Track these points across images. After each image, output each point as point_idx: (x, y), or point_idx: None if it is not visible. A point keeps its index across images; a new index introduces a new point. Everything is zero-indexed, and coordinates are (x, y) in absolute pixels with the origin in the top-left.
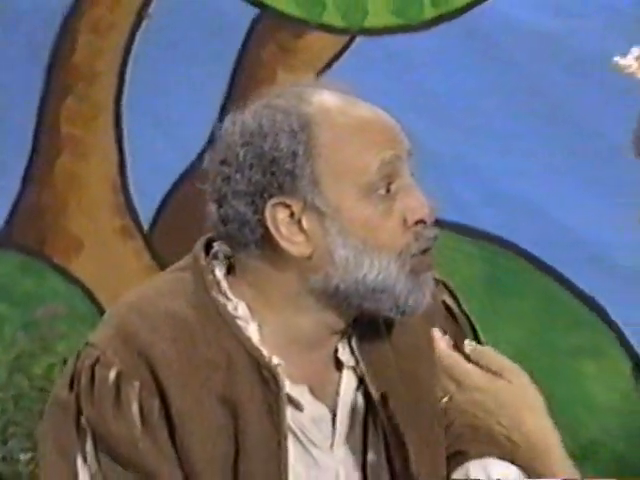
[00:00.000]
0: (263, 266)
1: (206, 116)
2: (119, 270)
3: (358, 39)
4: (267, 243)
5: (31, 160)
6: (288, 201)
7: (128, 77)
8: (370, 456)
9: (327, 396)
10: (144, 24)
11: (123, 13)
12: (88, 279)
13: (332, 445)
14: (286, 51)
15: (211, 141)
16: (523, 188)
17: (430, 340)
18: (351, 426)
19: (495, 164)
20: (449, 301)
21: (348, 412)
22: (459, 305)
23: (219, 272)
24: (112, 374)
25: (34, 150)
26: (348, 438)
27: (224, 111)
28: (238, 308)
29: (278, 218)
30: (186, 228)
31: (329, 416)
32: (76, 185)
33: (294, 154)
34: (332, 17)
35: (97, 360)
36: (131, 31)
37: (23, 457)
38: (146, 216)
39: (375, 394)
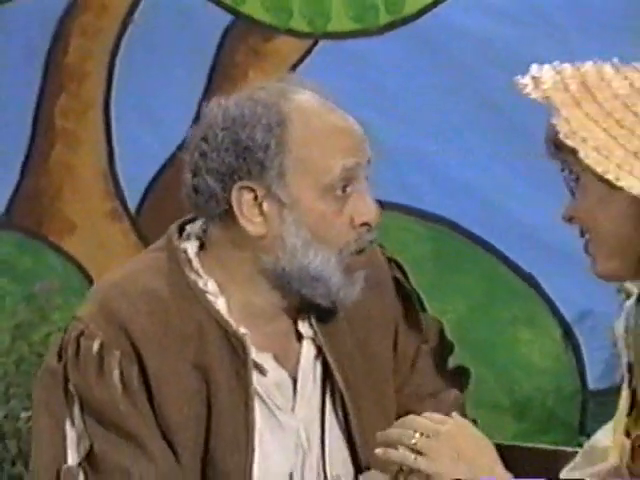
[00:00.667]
0: (226, 242)
1: (186, 111)
2: (108, 249)
3: (321, 43)
4: (229, 218)
5: (29, 151)
6: (254, 186)
7: (115, 76)
8: (328, 417)
9: (289, 363)
10: (129, 29)
11: (110, 19)
12: (81, 257)
13: (293, 408)
14: (257, 54)
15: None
16: (467, 175)
17: (382, 312)
18: (311, 390)
19: (443, 154)
20: (399, 277)
21: (308, 378)
22: (408, 280)
23: (191, 251)
24: (95, 345)
25: (31, 142)
26: (308, 401)
27: (202, 107)
28: (208, 284)
29: (243, 199)
30: (169, 211)
31: (290, 381)
32: (69, 173)
33: (267, 146)
34: (298, 23)
35: (82, 332)
36: (117, 35)
37: (23, 415)
38: (133, 200)
39: (332, 362)
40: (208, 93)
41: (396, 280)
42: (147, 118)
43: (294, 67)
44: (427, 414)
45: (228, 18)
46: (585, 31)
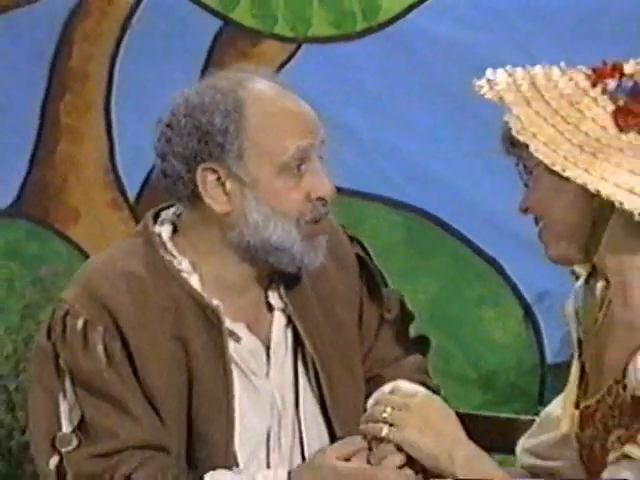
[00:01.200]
0: (195, 222)
1: None
2: (109, 236)
3: (304, 47)
4: (197, 199)
5: (36, 146)
6: (216, 167)
7: (115, 78)
8: (301, 381)
9: (261, 332)
10: (127, 34)
11: (110, 25)
12: (84, 243)
13: (268, 373)
14: (245, 56)
15: None
16: (438, 168)
17: (346, 285)
18: (283, 357)
19: (415, 148)
20: (362, 254)
21: (280, 345)
22: (369, 257)
23: (165, 235)
24: (80, 323)
25: (39, 137)
26: (281, 367)
27: None
28: (182, 263)
29: (207, 179)
30: (165, 201)
31: (263, 349)
32: (73, 166)
33: (226, 130)
34: (282, 28)
35: (67, 312)
36: (117, 40)
37: (21, 380)
38: (132, 191)
39: (301, 330)
40: None
41: (358, 257)
42: (144, 116)
43: (279, 69)
44: (399, 388)
45: (218, 24)
46: (547, 37)
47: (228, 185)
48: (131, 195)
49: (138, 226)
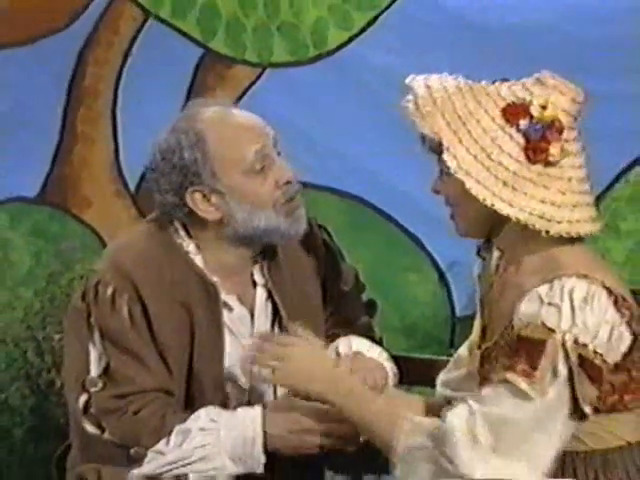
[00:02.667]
0: (193, 228)
1: (171, 117)
2: (115, 218)
3: (267, 70)
4: (192, 215)
5: (57, 148)
6: (199, 188)
7: (119, 94)
8: None
9: (248, 303)
10: (129, 60)
11: (115, 53)
12: (95, 224)
13: (251, 334)
14: (221, 78)
15: None
16: (374, 165)
17: (314, 265)
18: (264, 322)
19: (357, 151)
20: (327, 239)
21: (261, 313)
22: (332, 240)
23: (178, 225)
24: (109, 290)
25: (59, 142)
26: (262, 328)
27: None
28: (189, 246)
29: (195, 200)
30: None
31: (249, 316)
32: (86, 164)
33: (195, 160)
34: (250, 55)
35: (99, 281)
36: (120, 65)
37: (56, 337)
38: (132, 183)
39: (279, 301)
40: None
41: (324, 241)
42: (142, 124)
43: (248, 88)
44: (278, 339)
45: (200, 52)
46: (483, 63)
47: (213, 199)
48: (132, 186)
49: (151, 215)
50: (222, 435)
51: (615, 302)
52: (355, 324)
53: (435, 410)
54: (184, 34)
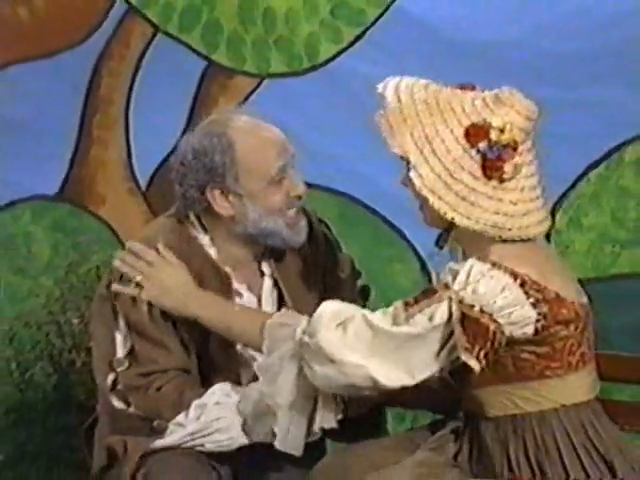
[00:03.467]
0: (208, 223)
1: (178, 125)
2: (127, 214)
3: (265, 81)
4: (209, 208)
5: (75, 151)
6: (220, 187)
7: (132, 103)
8: None
9: (256, 291)
10: (140, 71)
11: (127, 65)
12: (110, 220)
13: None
14: (223, 87)
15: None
16: (361, 167)
17: (315, 256)
18: (271, 308)
19: (346, 154)
20: (326, 231)
21: (268, 300)
22: (331, 233)
23: (194, 219)
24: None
25: (77, 145)
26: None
27: (190, 121)
28: (204, 240)
29: (215, 196)
30: (166, 190)
31: (257, 303)
32: (102, 165)
33: (224, 164)
34: (249, 67)
35: (124, 273)
36: (132, 75)
37: (75, 321)
38: (143, 182)
39: (284, 289)
40: (192, 113)
41: (324, 234)
42: (152, 130)
43: (248, 96)
44: (145, 255)
45: (204, 63)
46: (459, 74)
47: (230, 198)
48: (143, 185)
49: (170, 210)
50: (236, 409)
51: (522, 285)
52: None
53: None
54: (190, 48)
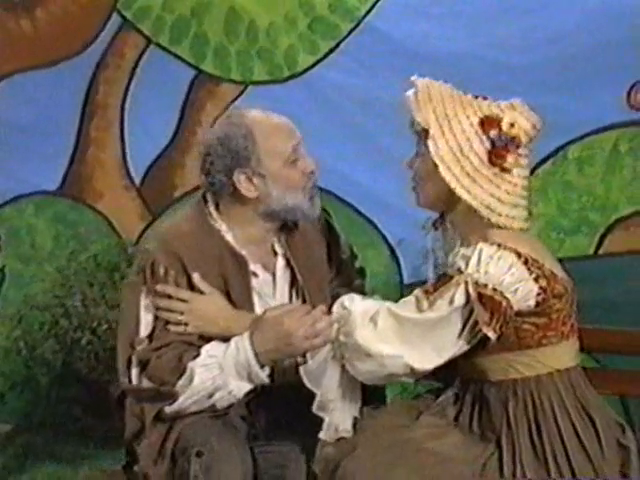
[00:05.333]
0: (234, 205)
1: (169, 125)
2: (123, 208)
3: (249, 88)
4: (235, 192)
5: (74, 150)
6: (245, 170)
7: (126, 106)
8: (293, 299)
9: (270, 270)
10: (134, 79)
11: (123, 73)
12: (107, 213)
13: (274, 295)
14: (211, 93)
15: (172, 142)
16: (337, 166)
17: (320, 240)
18: (283, 285)
19: (328, 156)
20: (328, 218)
21: (281, 278)
22: (332, 220)
23: (212, 209)
24: (161, 269)
25: (76, 145)
26: (282, 292)
27: (180, 122)
28: (222, 226)
29: (240, 179)
30: (158, 185)
31: (271, 280)
32: (99, 163)
33: (246, 147)
34: (235, 75)
35: (154, 261)
36: (127, 82)
37: (77, 304)
38: (137, 179)
39: (295, 268)
40: (182, 117)
41: (326, 220)
42: (146, 131)
43: (232, 102)
44: (178, 296)
45: (193, 72)
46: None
47: (254, 180)
48: (137, 181)
49: (191, 204)
50: (224, 365)
51: (525, 262)
52: (352, 285)
53: None
54: (179, 58)
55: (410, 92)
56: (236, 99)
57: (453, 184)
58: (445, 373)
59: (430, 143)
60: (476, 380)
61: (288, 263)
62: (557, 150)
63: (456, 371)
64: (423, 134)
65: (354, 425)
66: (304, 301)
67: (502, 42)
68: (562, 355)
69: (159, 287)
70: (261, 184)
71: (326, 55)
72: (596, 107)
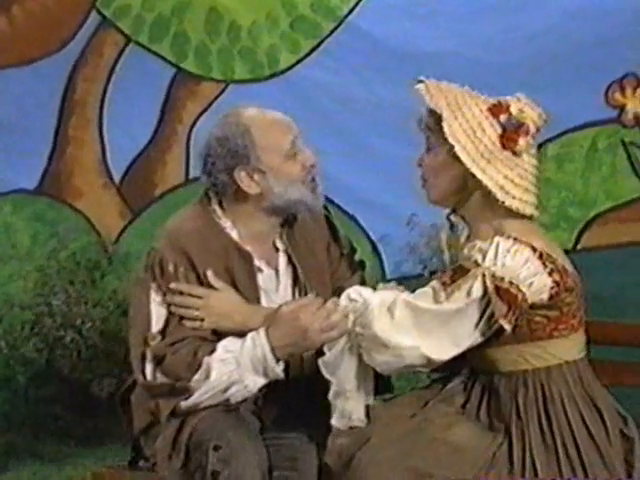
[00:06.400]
0: (237, 202)
1: (149, 124)
2: (103, 207)
3: (230, 86)
4: (237, 190)
5: (53, 149)
6: (245, 168)
7: (105, 105)
8: (295, 294)
9: (273, 265)
10: (113, 77)
11: (101, 71)
12: (86, 211)
13: (277, 289)
14: (191, 92)
15: (152, 140)
16: (323, 165)
17: (320, 235)
18: (286, 280)
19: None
20: (327, 214)
21: (284, 273)
22: (332, 216)
23: (215, 206)
24: (170, 267)
25: (54, 143)
26: (285, 287)
27: (160, 120)
28: (227, 224)
29: (242, 177)
30: (138, 184)
31: (275, 276)
32: (78, 162)
33: (245, 145)
34: (216, 74)
35: (162, 259)
36: (106, 80)
37: (57, 302)
38: (117, 178)
39: (297, 264)
40: (162, 115)
41: (326, 216)
42: (126, 129)
43: (213, 101)
44: (193, 293)
45: (173, 71)
46: (403, 81)
47: (255, 177)
48: (117, 180)
49: (194, 202)
50: (240, 360)
51: (540, 256)
52: (353, 277)
53: None
54: (160, 56)
55: (420, 84)
56: (217, 98)
57: (469, 163)
58: (451, 363)
59: (445, 125)
60: (485, 370)
61: (290, 259)
62: (537, 148)
63: (462, 361)
64: (436, 122)
65: (367, 414)
66: (305, 295)
67: (483, 41)
68: (571, 347)
69: (174, 285)
70: (262, 180)
71: (308, 54)
72: (574, 105)
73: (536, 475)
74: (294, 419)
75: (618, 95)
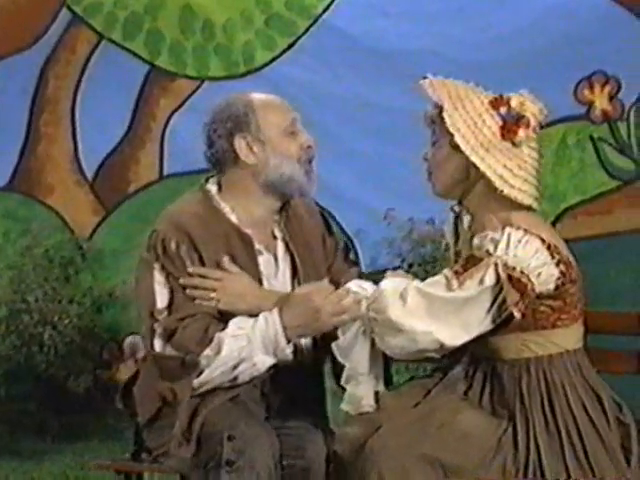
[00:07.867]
0: (235, 174)
1: (122, 121)
2: (76, 204)
3: (205, 83)
4: (236, 159)
5: (24, 146)
6: (245, 135)
7: (77, 101)
8: (294, 281)
9: (272, 251)
10: (86, 73)
11: (74, 67)
12: (58, 208)
13: (276, 275)
14: (165, 89)
15: (125, 137)
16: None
17: (316, 229)
18: (284, 267)
19: None
20: (323, 213)
21: (282, 260)
22: (323, 209)
23: (214, 191)
24: (173, 244)
25: (25, 140)
26: (283, 273)
27: (134, 117)
28: (226, 208)
29: (241, 145)
30: (112, 182)
31: (274, 261)
32: (50, 159)
33: (246, 114)
34: (191, 71)
35: (164, 238)
36: (78, 77)
37: (31, 298)
38: (89, 174)
39: (294, 251)
40: (136, 112)
41: (321, 213)
42: (99, 126)
43: (188, 98)
44: (209, 274)
45: (147, 67)
46: (380, 79)
47: (254, 147)
48: (90, 176)
49: (194, 190)
50: (251, 338)
51: (548, 247)
52: (349, 271)
53: None
54: (133, 54)
55: (423, 79)
56: (192, 95)
57: (469, 152)
58: (453, 351)
59: (445, 115)
60: (488, 358)
61: (287, 247)
62: None
63: (462, 349)
64: (439, 114)
65: (376, 401)
66: (300, 283)
67: (457, 40)
68: (572, 336)
69: (192, 269)
70: (260, 152)
71: (284, 51)
72: (545, 102)
73: (540, 460)
74: (300, 407)
75: (587, 92)
